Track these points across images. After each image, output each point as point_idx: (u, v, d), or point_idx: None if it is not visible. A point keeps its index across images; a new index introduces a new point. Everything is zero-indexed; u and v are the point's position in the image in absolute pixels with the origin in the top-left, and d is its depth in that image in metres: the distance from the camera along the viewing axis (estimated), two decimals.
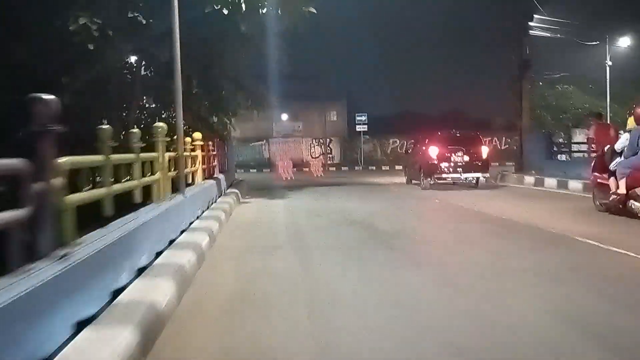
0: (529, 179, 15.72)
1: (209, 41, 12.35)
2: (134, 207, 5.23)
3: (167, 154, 6.71)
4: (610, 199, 8.28)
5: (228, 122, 15.77)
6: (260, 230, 8.01)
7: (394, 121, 43.39)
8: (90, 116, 10.07)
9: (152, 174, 6.00)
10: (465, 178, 14.86)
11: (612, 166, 8.41)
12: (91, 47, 8.68)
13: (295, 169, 32.69)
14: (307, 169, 29.08)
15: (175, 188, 7.11)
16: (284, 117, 37.76)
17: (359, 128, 35.54)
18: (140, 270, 4.26)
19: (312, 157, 36.99)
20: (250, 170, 35.04)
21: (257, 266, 5.35)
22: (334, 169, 34.63)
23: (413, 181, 17.04)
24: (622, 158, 8.17)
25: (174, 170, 7.18)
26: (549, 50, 32.60)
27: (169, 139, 7.11)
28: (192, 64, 12.33)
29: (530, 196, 12.35)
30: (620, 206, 8.10)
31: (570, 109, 35.61)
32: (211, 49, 12.61)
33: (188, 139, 9.21)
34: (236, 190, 13.04)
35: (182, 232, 6.39)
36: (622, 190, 7.94)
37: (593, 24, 31.02)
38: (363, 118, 35.46)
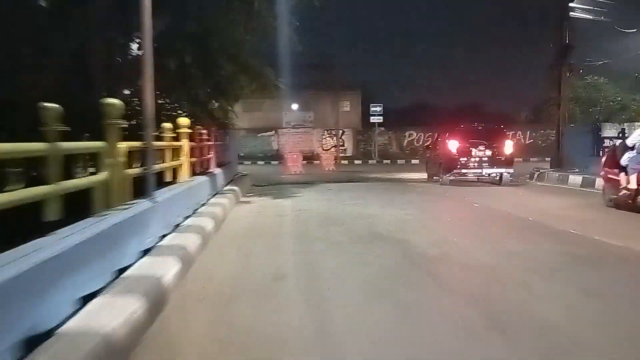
0: (575, 179, 13.61)
1: (206, 11, 10.42)
2: (55, 225, 3.35)
3: (127, 144, 4.82)
4: (620, 194, 8.28)
5: (230, 108, 13.84)
6: (257, 247, 6.10)
7: (410, 113, 41.29)
8: (74, 100, 8.26)
9: (96, 172, 4.10)
10: (488, 174, 14.11)
11: (623, 161, 8.35)
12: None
13: (305, 162, 30.87)
14: (318, 162, 27.19)
15: (141, 190, 5.23)
16: (295, 106, 35.82)
17: (373, 119, 33.53)
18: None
19: (324, 150, 35.05)
20: (258, 162, 33.24)
21: (245, 324, 3.44)
22: (347, 162, 32.66)
23: (435, 177, 15.79)
24: (635, 153, 8.17)
25: (139, 165, 5.29)
26: (583, 37, 30.24)
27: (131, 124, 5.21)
28: (185, 38, 10.47)
29: (580, 196, 10.35)
30: (630, 202, 8.11)
31: (601, 102, 33.19)
32: (209, 22, 10.66)
33: (168, 125, 7.32)
34: (236, 188, 11.15)
35: (144, 251, 4.52)
36: (633, 185, 7.99)
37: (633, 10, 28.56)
38: (378, 109, 33.42)
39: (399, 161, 32.66)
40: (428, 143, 22.10)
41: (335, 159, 25.82)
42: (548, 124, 33.16)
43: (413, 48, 72.92)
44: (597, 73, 33.10)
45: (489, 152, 13.77)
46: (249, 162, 33.33)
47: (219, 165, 12.36)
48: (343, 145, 35.15)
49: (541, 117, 36.10)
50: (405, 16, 76.45)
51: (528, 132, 33.43)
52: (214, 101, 12.91)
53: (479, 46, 71.67)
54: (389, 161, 32.81)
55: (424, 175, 17.41)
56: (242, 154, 35.44)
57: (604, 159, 9.62)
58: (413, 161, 32.49)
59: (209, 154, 11.05)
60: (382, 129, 34.57)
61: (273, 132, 35.37)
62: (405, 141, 34.66)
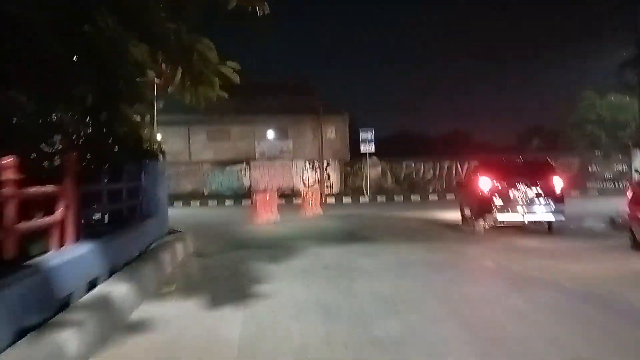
0: None
1: None
2: None
3: None
4: None
5: (138, 118, 7.96)
6: None
7: (405, 142, 36.07)
8: None
9: None
10: (531, 221, 11.27)
11: None
12: None
13: (283, 201, 24.95)
14: (299, 201, 21.37)
15: None
16: (270, 134, 30.12)
17: (364, 148, 27.98)
18: None
19: (305, 185, 29.20)
20: (227, 202, 27.19)
21: None
22: (333, 200, 26.88)
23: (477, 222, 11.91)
24: None
25: None
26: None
27: None
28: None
29: None
30: None
31: (630, 125, 28.33)
32: None
33: None
34: (118, 292, 5.16)
35: None
36: None
37: None
38: (369, 135, 27.93)
39: (395, 198, 27.03)
40: (459, 178, 16.87)
41: (321, 198, 19.87)
42: (567, 151, 28.32)
43: (409, 69, 68.63)
44: (620, 91, 28.38)
45: (532, 192, 11.12)
46: (214, 203, 27.26)
47: (121, 221, 6.36)
48: (328, 179, 29.40)
49: (555, 143, 31.14)
50: (389, 38, 72.56)
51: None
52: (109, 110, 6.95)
53: (472, 70, 67.91)
54: (384, 198, 27.14)
55: (444, 216, 14.13)
56: (205, 193, 29.41)
57: (629, 197, 8.65)
58: (413, 198, 26.92)
59: (65, 213, 5.03)
60: (375, 159, 29.02)
61: (244, 164, 29.46)
62: (403, 174, 29.10)
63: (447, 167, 28.74)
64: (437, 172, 28.79)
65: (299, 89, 31.26)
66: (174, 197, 27.97)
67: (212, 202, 27.31)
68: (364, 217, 17.04)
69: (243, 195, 28.46)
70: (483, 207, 11.24)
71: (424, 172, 28.88)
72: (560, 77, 58.58)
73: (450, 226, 13.69)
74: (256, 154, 29.76)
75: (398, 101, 65.12)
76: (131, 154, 7.48)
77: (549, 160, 12.76)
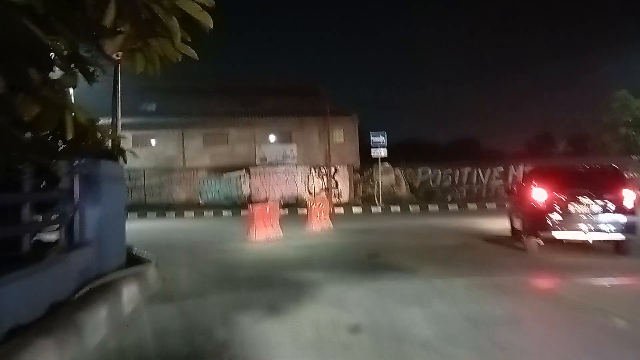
0: None
1: None
2: None
3: None
4: None
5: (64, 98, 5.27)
6: None
7: (415, 149, 33.50)
8: None
9: None
10: (597, 240, 9.20)
11: None
12: None
13: (286, 211, 22.23)
14: (304, 211, 18.70)
15: None
16: (272, 138, 27.47)
17: (375, 153, 25.31)
18: None
19: (311, 193, 26.52)
20: (223, 213, 24.49)
21: None
22: (342, 210, 24.17)
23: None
24: None
25: None
26: None
27: None
28: None
29: None
30: None
31: None
32: None
33: None
34: None
35: None
36: None
37: None
38: (381, 139, 25.26)
39: (411, 208, 24.28)
40: (510, 185, 14.52)
41: (330, 206, 17.11)
42: (599, 155, 25.54)
43: (424, 71, 66.09)
44: None
45: (597, 205, 9.32)
46: (210, 214, 24.56)
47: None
48: (336, 187, 26.70)
49: (584, 147, 28.34)
50: (418, 31, 70.06)
51: None
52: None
53: (486, 74, 65.32)
54: (397, 208, 24.40)
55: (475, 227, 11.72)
56: (201, 203, 26.72)
57: None
58: (430, 207, 24.17)
59: None
60: (387, 165, 26.34)
61: (243, 171, 26.81)
62: (418, 181, 26.38)
63: (468, 174, 26.00)
64: (457, 179, 26.05)
65: (304, 90, 28.71)
66: (165, 208, 25.41)
67: (207, 213, 24.63)
68: (383, 231, 14.30)
69: (242, 205, 25.76)
70: (537, 222, 9.43)
71: (441, 179, 26.16)
72: (584, 80, 55.93)
73: (494, 242, 11.01)
74: (257, 160, 27.09)
75: (408, 106, 62.52)
76: (50, 147, 4.84)
77: (618, 168, 10.43)
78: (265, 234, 12.40)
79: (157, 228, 18.21)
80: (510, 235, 11.70)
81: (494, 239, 11.54)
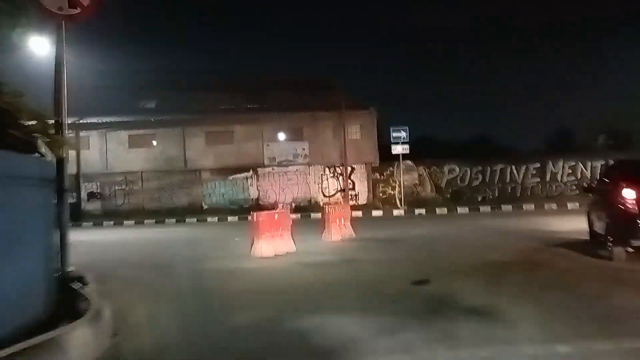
0: None
1: None
2: None
3: None
4: None
5: None
6: None
7: (446, 144, 30.93)
8: None
9: None
10: None
11: None
12: None
13: (298, 215, 19.74)
14: (318, 215, 16.01)
15: None
16: (282, 136, 25.01)
17: (396, 150, 22.72)
18: None
19: (326, 195, 24.03)
20: (229, 218, 22.08)
21: None
22: (360, 214, 21.63)
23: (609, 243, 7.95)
24: None
25: None
26: None
27: None
28: None
29: None
30: None
31: None
32: None
33: None
34: None
35: None
36: None
37: None
38: (402, 134, 22.68)
39: (437, 210, 21.64)
40: (589, 182, 12.17)
41: (350, 213, 14.37)
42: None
43: (448, 60, 63.23)
44: None
45: None
46: (214, 219, 22.18)
47: None
48: (353, 189, 24.15)
49: (628, 139, 25.48)
50: (419, 35, 67.33)
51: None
52: None
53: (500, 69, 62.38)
54: (422, 210, 21.78)
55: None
56: (204, 207, 24.34)
57: None
58: (460, 209, 21.51)
59: None
60: (410, 163, 23.74)
61: (250, 173, 24.38)
62: (445, 180, 23.72)
63: (500, 172, 23.29)
64: (488, 178, 23.36)
65: (317, 83, 26.22)
66: (165, 214, 23.08)
67: (211, 219, 22.24)
68: (418, 241, 11.75)
69: (249, 209, 23.34)
70: (626, 227, 7.59)
71: (470, 178, 23.48)
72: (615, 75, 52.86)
73: (568, 253, 8.41)
74: (265, 160, 24.64)
75: (427, 101, 59.53)
76: None
77: None
78: (274, 248, 9.91)
79: (152, 239, 15.86)
80: (589, 239, 9.26)
81: (566, 248, 8.96)
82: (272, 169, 24.30)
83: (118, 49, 39.18)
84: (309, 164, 24.35)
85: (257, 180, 24.25)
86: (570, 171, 22.67)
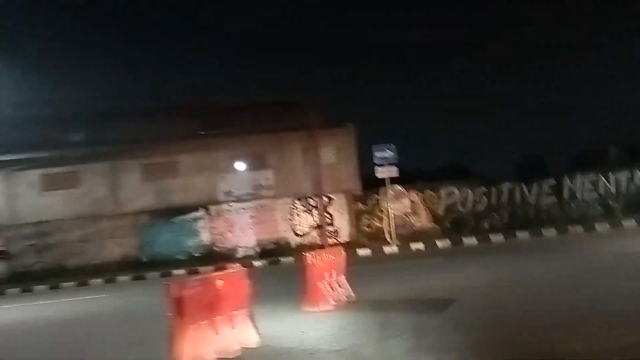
0: None
1: None
2: None
3: None
4: None
5: None
6: None
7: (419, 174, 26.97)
8: None
9: None
10: None
11: None
12: None
13: (264, 261, 14.79)
14: (291, 260, 10.76)
15: None
16: (239, 165, 20.23)
17: (381, 173, 18.37)
18: None
19: (298, 234, 19.28)
20: (174, 272, 16.97)
21: None
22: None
23: None
24: None
25: None
26: None
27: None
28: None
29: None
30: None
31: None
32: None
33: None
34: None
35: None
36: None
37: None
38: (388, 154, 18.40)
39: (438, 243, 17.18)
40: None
41: (344, 262, 9.45)
42: None
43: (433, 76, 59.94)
44: None
45: None
46: (156, 275, 17.01)
47: None
48: (332, 224, 19.45)
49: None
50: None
51: None
52: None
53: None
54: (420, 245, 17.27)
55: None
56: (144, 259, 19.09)
57: None
58: (466, 241, 17.13)
59: None
60: (399, 188, 19.36)
61: (201, 212, 19.39)
62: (443, 205, 19.35)
63: (509, 192, 19.16)
64: (494, 201, 19.17)
65: (284, 105, 21.74)
66: (90, 273, 17.73)
67: (152, 274, 17.02)
68: (471, 302, 7.15)
69: (202, 258, 18.29)
70: None
71: (474, 202, 19.24)
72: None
73: None
74: (219, 195, 19.73)
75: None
76: None
77: None
78: (214, 345, 5.05)
79: (55, 319, 10.66)
80: None
81: None
82: (229, 206, 19.37)
83: (41, 73, 33.71)
84: (275, 197, 19.58)
85: (211, 221, 19.25)
86: (591, 187, 18.76)
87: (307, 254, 7.84)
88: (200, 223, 19.19)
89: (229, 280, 5.60)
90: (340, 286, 8.26)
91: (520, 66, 54.74)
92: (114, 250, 18.81)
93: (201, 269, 16.91)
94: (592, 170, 18.97)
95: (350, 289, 8.46)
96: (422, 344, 5.14)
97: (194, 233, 19.08)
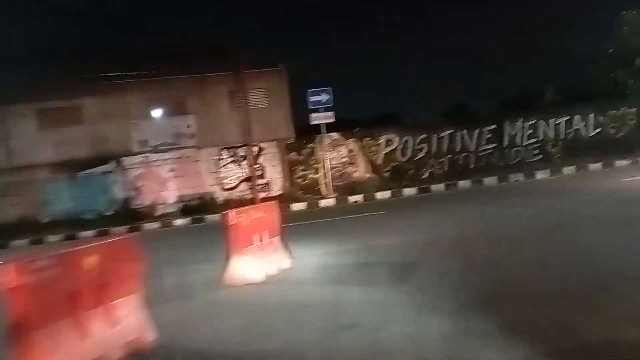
0: None
1: None
2: None
3: None
4: None
5: None
6: None
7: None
8: None
9: None
10: None
11: None
12: None
13: (188, 221, 12.82)
14: (217, 219, 8.96)
15: None
16: (156, 111, 17.74)
17: (316, 118, 16.85)
18: None
19: (226, 189, 17.45)
20: (81, 234, 14.76)
21: None
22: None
23: None
24: None
25: None
26: None
27: None
28: None
29: None
30: None
31: None
32: None
33: None
34: None
35: None
36: None
37: None
38: (324, 98, 16.86)
39: (379, 195, 16.08)
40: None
41: (278, 219, 7.84)
42: (610, 99, 19.01)
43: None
44: None
45: None
46: (57, 238, 14.68)
47: None
48: (262, 176, 17.73)
49: (584, 91, 21.82)
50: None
51: (581, 117, 18.38)
52: None
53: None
54: (358, 197, 16.09)
55: None
56: (45, 220, 16.52)
57: None
58: (406, 191, 16.16)
59: None
60: (336, 135, 17.88)
61: (112, 165, 16.93)
62: (381, 154, 18.14)
63: (449, 139, 18.25)
64: (434, 149, 18.22)
65: (208, 42, 19.19)
66: None
67: (55, 238, 14.64)
68: (438, 265, 5.84)
69: (115, 217, 16.05)
70: None
71: (413, 149, 18.17)
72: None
73: None
74: (134, 145, 17.29)
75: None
76: None
77: None
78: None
79: None
80: None
81: None
82: (145, 157, 17.03)
83: None
84: (198, 147, 17.44)
85: (125, 175, 16.87)
86: (531, 131, 18.25)
87: (230, 212, 6.13)
88: (111, 178, 16.76)
89: (108, 254, 3.80)
90: (273, 251, 6.68)
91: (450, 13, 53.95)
92: (8, 210, 16.04)
93: (113, 229, 14.78)
94: (527, 114, 18.40)
95: (286, 254, 6.92)
96: (382, 336, 3.71)
97: (104, 189, 16.66)
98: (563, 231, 7.05)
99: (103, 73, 17.19)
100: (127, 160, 16.85)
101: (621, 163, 16.53)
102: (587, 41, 22.50)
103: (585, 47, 23.76)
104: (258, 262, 6.19)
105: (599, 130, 18.32)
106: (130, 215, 15.98)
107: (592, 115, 18.23)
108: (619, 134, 18.26)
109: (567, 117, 18.20)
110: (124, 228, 14.76)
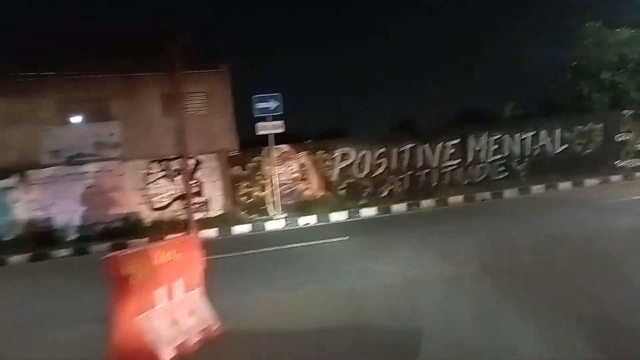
0: None
1: None
2: None
3: None
4: None
5: None
6: None
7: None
8: None
9: None
10: None
11: None
12: None
13: (109, 244, 10.45)
14: (144, 242, 7.01)
15: None
16: (73, 116, 15.01)
17: (263, 128, 14.71)
18: None
19: (156, 209, 14.94)
20: None
21: None
22: (213, 232, 13.26)
23: None
24: None
25: None
26: None
27: None
28: None
29: None
30: None
31: None
32: None
33: None
34: None
35: None
36: None
37: None
38: (272, 105, 14.81)
39: (334, 215, 14.08)
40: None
41: (202, 263, 5.62)
42: (580, 113, 18.10)
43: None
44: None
45: None
46: None
47: None
48: (199, 194, 15.32)
49: (546, 106, 21.00)
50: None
51: (547, 133, 17.28)
52: None
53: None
54: (312, 218, 14.04)
55: None
56: None
57: None
58: (364, 212, 14.30)
59: None
60: (285, 148, 15.81)
61: (14, 179, 14.03)
62: (336, 169, 16.19)
63: (411, 153, 16.59)
64: (393, 164, 16.49)
65: (136, 39, 16.65)
66: None
67: None
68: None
69: (15, 243, 13.16)
70: None
71: (372, 165, 16.37)
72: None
73: None
74: (43, 155, 14.47)
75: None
76: None
77: None
78: None
79: None
80: None
81: None
82: (57, 170, 14.22)
83: None
84: (123, 158, 14.83)
85: (29, 191, 13.99)
86: (496, 146, 16.91)
87: (119, 254, 3.87)
88: (13, 194, 13.83)
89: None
90: (189, 313, 4.45)
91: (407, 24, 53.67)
92: None
93: (12, 258, 11.94)
94: (492, 128, 17.11)
95: (211, 315, 4.70)
96: None
97: (3, 209, 13.70)
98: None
99: (4, 68, 14.34)
100: (34, 174, 13.98)
101: (591, 182, 15.44)
102: (549, 53, 21.73)
103: (547, 60, 23.08)
104: (162, 334, 3.95)
105: (565, 146, 17.25)
106: (35, 241, 13.13)
107: (558, 131, 17.14)
108: (586, 151, 17.28)
109: (533, 132, 17.04)
110: (25, 256, 11.96)
